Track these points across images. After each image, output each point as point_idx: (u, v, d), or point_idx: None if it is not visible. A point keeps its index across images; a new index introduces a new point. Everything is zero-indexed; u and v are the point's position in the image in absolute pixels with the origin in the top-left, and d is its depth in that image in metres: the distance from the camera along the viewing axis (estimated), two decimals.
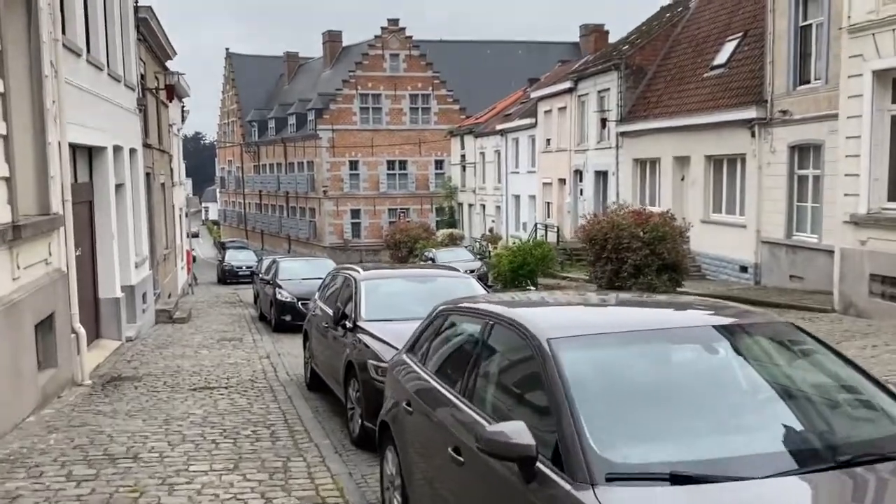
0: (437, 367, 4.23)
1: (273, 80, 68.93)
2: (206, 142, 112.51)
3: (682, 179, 22.32)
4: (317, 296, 10.04)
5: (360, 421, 6.69)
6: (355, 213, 52.09)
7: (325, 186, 51.16)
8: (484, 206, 39.99)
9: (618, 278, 15.61)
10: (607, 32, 34.16)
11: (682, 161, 22.05)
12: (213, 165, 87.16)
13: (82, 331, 9.65)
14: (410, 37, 52.49)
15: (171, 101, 19.94)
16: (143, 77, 16.42)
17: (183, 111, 28.16)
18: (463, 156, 42.61)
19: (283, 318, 15.56)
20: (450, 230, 39.64)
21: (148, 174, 16.67)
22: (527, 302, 4.47)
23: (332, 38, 59.78)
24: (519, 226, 35.33)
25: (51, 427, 7.20)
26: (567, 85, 29.17)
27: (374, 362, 6.52)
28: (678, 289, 16.13)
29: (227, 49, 71.90)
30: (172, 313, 16.53)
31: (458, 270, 8.69)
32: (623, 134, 24.99)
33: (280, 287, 15.97)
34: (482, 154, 39.65)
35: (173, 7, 69.35)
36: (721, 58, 21.10)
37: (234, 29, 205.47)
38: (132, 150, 14.61)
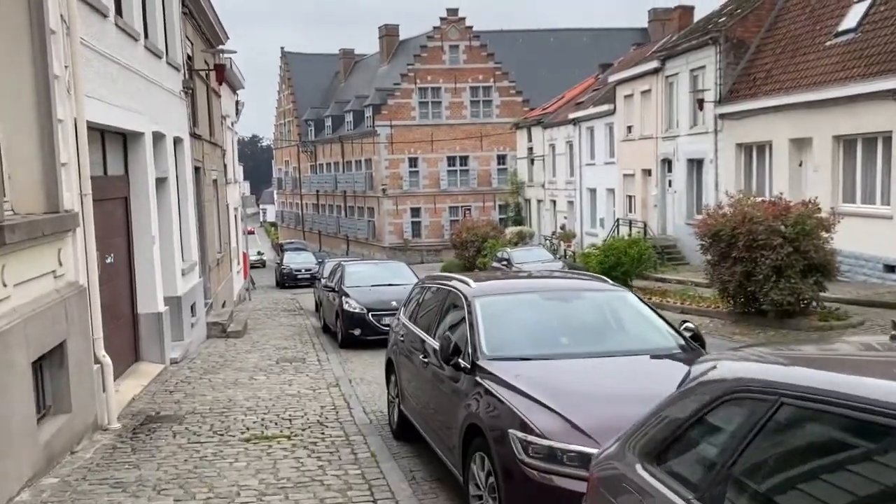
0: None
1: (329, 78, 67.58)
2: (264, 144, 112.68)
3: (800, 165, 19.33)
4: (402, 314, 7.71)
5: None
6: (415, 212, 50.08)
7: (384, 185, 49.30)
8: (554, 202, 37.30)
9: (750, 282, 12.90)
10: (692, 9, 31.11)
11: (801, 144, 19.06)
12: (270, 168, 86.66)
13: (108, 360, 7.57)
14: (470, 27, 50.16)
15: (221, 84, 17.99)
16: (189, 59, 14.49)
17: (237, 105, 26.42)
18: (530, 149, 39.97)
19: (351, 332, 13.36)
20: (518, 228, 37.10)
21: (197, 168, 14.72)
22: None
23: (388, 32, 57.91)
24: (595, 222, 32.56)
25: None
26: (653, 65, 26.32)
27: (521, 435, 4.13)
28: (822, 294, 13.31)
29: (282, 48, 70.89)
30: (226, 326, 14.54)
31: (605, 281, 6.21)
32: (723, 116, 22.07)
33: (347, 296, 13.77)
34: (552, 146, 36.96)
35: (230, 11, 68.47)
36: (849, 22, 18.05)
37: (290, 31, 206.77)
38: (177, 140, 12.63)
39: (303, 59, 69.31)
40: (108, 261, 9.24)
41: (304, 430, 7.40)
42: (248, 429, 7.46)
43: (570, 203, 35.28)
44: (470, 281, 6.00)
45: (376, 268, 15.82)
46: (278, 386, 9.65)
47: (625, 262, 18.88)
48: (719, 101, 22.23)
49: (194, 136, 14.36)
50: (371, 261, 18.77)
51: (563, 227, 35.29)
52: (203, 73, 15.91)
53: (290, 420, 7.81)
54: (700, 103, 22.62)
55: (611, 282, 6.08)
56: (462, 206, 49.79)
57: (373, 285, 14.21)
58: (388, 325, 13.40)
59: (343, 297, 13.73)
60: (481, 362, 4.96)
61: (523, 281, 6.58)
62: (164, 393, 9.13)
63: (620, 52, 41.53)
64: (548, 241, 34.85)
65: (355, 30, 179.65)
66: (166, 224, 11.49)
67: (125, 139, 10.10)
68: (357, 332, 13.30)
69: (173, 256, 11.67)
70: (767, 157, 20.56)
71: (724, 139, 22.35)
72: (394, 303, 13.45)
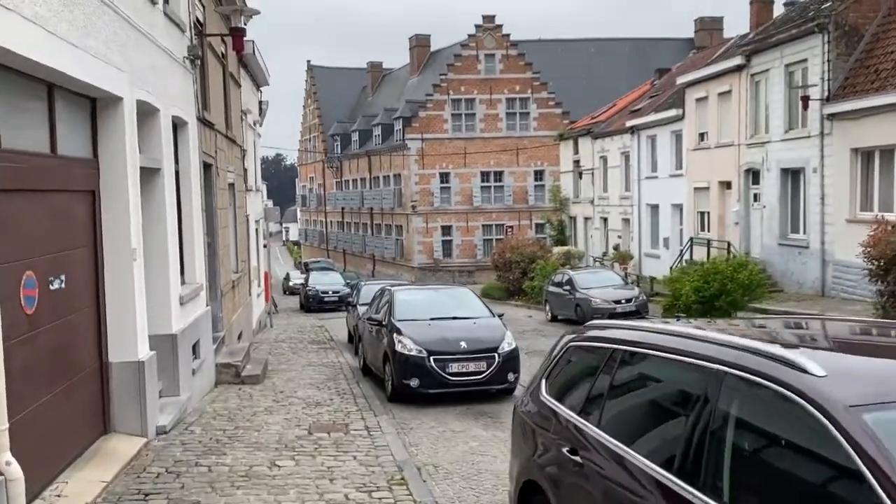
0: None
1: (356, 93, 64.93)
2: (288, 164, 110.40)
3: None
4: (543, 391, 4.27)
5: None
6: (446, 230, 46.83)
7: (414, 201, 46.14)
8: (605, 220, 33.77)
9: None
10: (771, 2, 27.67)
11: None
12: (294, 188, 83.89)
13: (17, 471, 4.21)
14: (507, 35, 47.10)
15: (239, 56, 14.75)
16: (200, 24, 11.30)
17: (261, 105, 23.31)
18: (577, 161, 36.53)
19: (405, 382, 9.93)
20: (565, 248, 33.56)
21: (208, 166, 11.48)
22: None
23: (419, 42, 55.10)
24: (657, 242, 28.98)
25: None
26: (735, 62, 22.85)
27: None
28: None
29: (308, 61, 68.34)
30: (240, 369, 11.19)
31: None
32: (833, 116, 18.53)
33: (399, 332, 10.34)
34: (603, 158, 33.50)
35: (260, 37, 66.15)
36: None
37: (316, 50, 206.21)
38: (179, 122, 9.39)
39: (329, 73, 66.73)
40: (56, 286, 5.96)
41: None
42: None
43: (626, 221, 31.74)
44: (799, 358, 2.47)
45: (435, 295, 12.26)
46: (314, 482, 6.25)
47: (732, 291, 15.33)
48: (828, 99, 18.72)
49: (204, 122, 11.13)
50: (428, 286, 15.26)
51: (616, 248, 31.73)
52: (217, 49, 12.70)
53: None
54: (805, 101, 19.10)
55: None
56: (496, 224, 46.59)
57: (432, 318, 10.78)
58: (455, 375, 10.12)
59: (395, 335, 10.30)
60: None
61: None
62: (134, 499, 5.75)
63: (665, 63, 38.12)
64: (598, 263, 31.30)
65: (382, 49, 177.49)
66: (157, 233, 8.21)
67: (94, 106, 6.86)
68: (414, 382, 9.87)
69: (167, 278, 8.38)
70: None
71: (833, 143, 18.78)
72: (463, 344, 10.08)
